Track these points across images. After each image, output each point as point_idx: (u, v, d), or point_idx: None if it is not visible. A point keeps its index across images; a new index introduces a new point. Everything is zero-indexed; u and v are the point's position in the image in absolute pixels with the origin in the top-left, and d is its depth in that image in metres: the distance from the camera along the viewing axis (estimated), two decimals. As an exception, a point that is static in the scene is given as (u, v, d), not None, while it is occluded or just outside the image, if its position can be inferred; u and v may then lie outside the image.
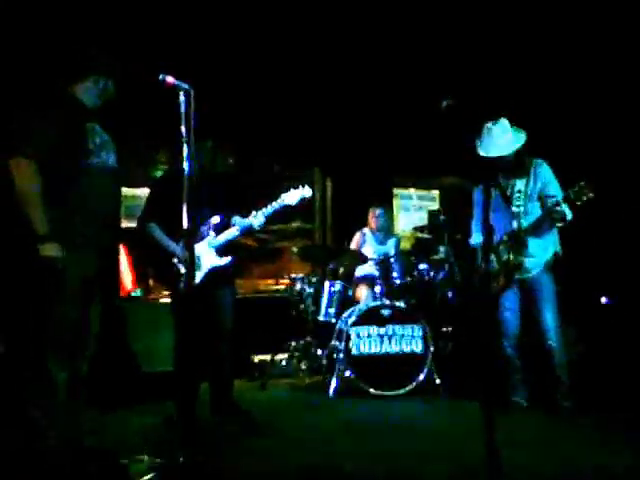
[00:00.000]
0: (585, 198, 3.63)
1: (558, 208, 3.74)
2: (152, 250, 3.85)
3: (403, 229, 7.25)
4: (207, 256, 3.82)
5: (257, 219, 3.86)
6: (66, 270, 2.79)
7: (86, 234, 2.89)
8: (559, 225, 3.90)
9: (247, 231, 3.91)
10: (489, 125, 3.96)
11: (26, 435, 2.88)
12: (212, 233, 3.87)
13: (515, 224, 3.98)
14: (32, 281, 2.88)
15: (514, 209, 3.99)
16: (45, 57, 4.19)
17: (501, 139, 3.91)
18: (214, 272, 3.82)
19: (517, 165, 3.99)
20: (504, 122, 3.96)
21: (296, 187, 3.93)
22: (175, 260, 3.74)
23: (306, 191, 3.93)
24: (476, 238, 4.28)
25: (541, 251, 3.96)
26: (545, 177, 3.99)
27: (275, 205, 3.89)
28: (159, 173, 5.96)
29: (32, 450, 2.82)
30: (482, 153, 3.91)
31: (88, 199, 2.91)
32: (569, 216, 3.81)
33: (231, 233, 3.87)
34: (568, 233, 4.02)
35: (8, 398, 3.44)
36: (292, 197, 3.90)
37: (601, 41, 5.53)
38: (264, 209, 3.88)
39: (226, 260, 3.85)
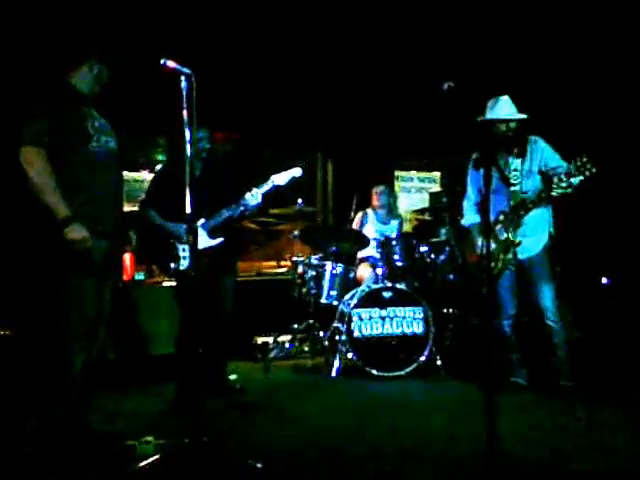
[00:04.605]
0: (588, 173, 3.57)
1: (561, 179, 3.67)
2: (151, 235, 3.86)
3: (406, 209, 7.22)
4: (199, 238, 3.71)
5: (254, 198, 3.83)
6: (92, 250, 2.84)
7: (94, 219, 2.91)
8: (568, 191, 3.71)
9: (243, 212, 3.88)
10: (495, 98, 3.98)
11: (38, 418, 2.93)
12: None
13: (512, 202, 3.95)
14: (61, 265, 2.90)
15: (510, 188, 3.96)
16: (42, 46, 4.18)
17: (507, 107, 3.95)
18: (209, 254, 3.78)
19: (515, 143, 3.97)
20: (507, 97, 4.00)
21: (287, 168, 3.91)
22: (173, 241, 3.76)
23: (296, 171, 3.91)
24: (470, 219, 4.23)
25: (537, 231, 3.96)
26: (543, 152, 3.95)
27: (264, 187, 3.86)
28: (160, 157, 5.96)
29: (44, 432, 2.88)
30: (489, 116, 3.93)
31: (92, 184, 2.93)
32: (575, 182, 3.66)
33: (222, 214, 3.83)
34: (567, 213, 4.02)
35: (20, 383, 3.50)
36: (281, 178, 3.89)
37: (602, 23, 5.50)
38: (255, 189, 3.85)
39: (217, 241, 3.83)
